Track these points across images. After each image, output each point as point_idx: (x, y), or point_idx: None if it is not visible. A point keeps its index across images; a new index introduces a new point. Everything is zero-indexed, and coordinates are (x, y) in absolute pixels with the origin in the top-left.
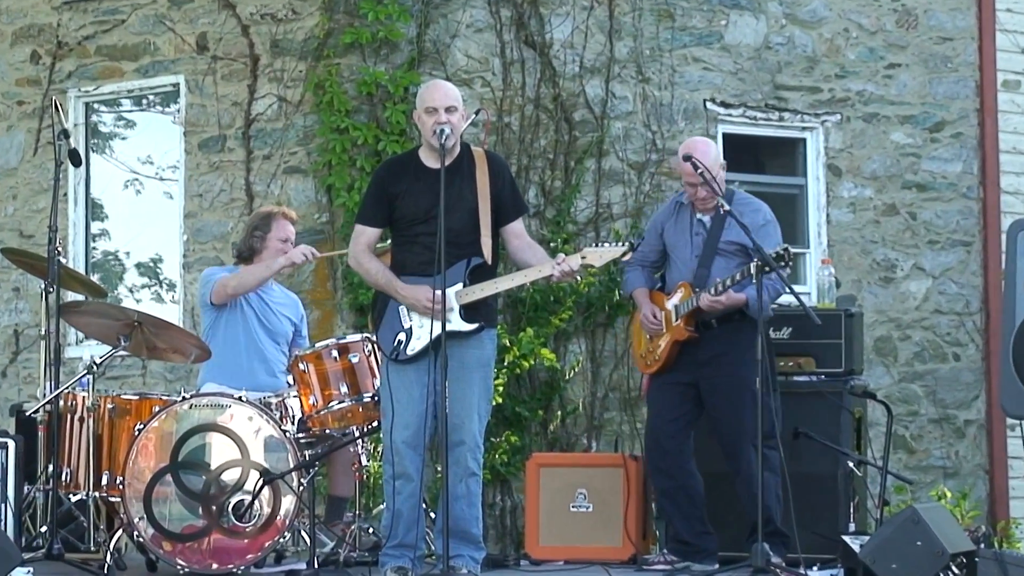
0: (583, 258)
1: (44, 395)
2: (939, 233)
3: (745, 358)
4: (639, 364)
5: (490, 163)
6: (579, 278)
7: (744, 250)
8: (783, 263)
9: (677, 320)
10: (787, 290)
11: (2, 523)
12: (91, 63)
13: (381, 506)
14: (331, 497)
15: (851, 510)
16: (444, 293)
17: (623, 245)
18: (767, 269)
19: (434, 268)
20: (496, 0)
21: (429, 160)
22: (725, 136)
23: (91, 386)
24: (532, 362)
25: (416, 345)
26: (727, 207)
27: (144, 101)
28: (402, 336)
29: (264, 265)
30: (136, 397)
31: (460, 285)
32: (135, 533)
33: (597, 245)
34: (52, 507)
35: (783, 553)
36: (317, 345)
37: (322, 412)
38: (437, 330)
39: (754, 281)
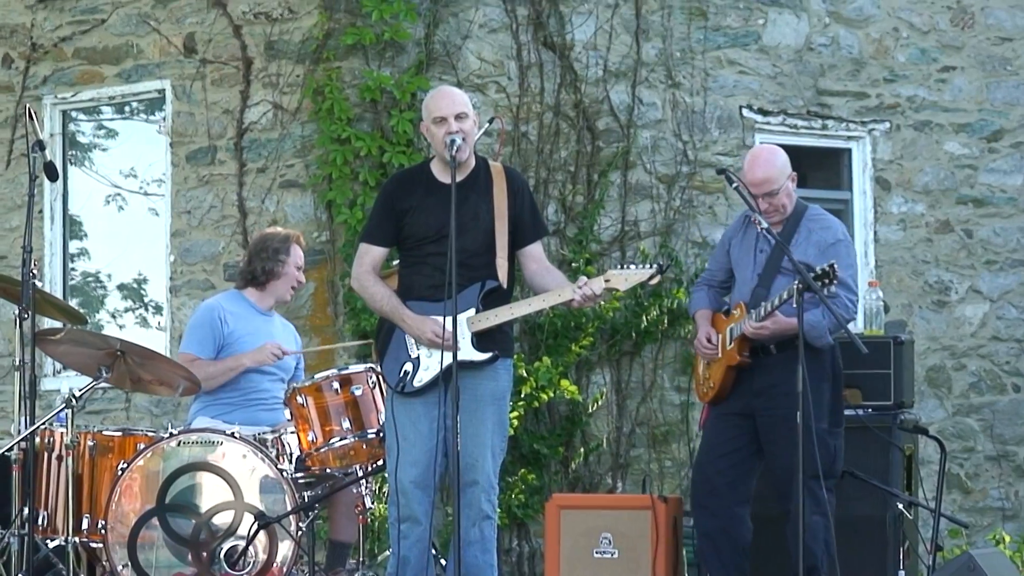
0: (606, 281)
1: (18, 431)
2: (997, 252)
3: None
4: (696, 392)
5: (508, 179)
6: (602, 303)
7: (809, 270)
8: (825, 282)
9: (730, 344)
10: (850, 315)
11: None
12: (68, 67)
13: (387, 552)
14: (332, 542)
15: (901, 556)
16: (455, 319)
17: (651, 267)
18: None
19: (444, 292)
20: None
21: (442, 174)
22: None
23: (70, 421)
24: (551, 394)
25: (424, 376)
26: (764, 225)
27: (127, 109)
28: (408, 366)
29: (231, 366)
30: (119, 433)
31: (472, 311)
32: None
33: (622, 267)
34: (28, 554)
35: None
36: (316, 376)
37: (322, 450)
38: (447, 360)
39: (794, 304)
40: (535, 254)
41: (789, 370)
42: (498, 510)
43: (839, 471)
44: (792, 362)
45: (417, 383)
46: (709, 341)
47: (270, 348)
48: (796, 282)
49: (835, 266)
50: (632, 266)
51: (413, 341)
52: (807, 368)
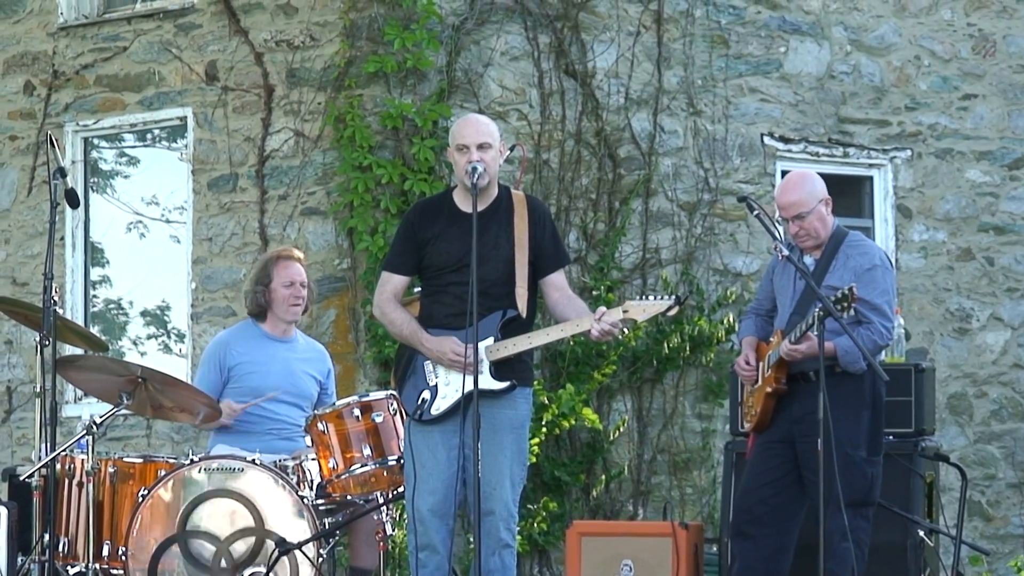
0: (624, 312)
1: (39, 458)
2: (1019, 280)
3: (841, 416)
4: (744, 419)
5: (530, 208)
6: (620, 336)
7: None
8: (844, 305)
9: (768, 371)
10: (883, 341)
11: None
12: (90, 94)
13: None
14: (353, 569)
15: None
16: (476, 347)
17: (669, 299)
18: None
19: (465, 320)
20: (534, 26)
21: (464, 203)
22: (784, 174)
23: (91, 448)
24: (573, 421)
25: (441, 404)
26: (785, 252)
27: (148, 136)
28: (427, 394)
29: (224, 419)
30: (140, 460)
31: (491, 340)
32: None
33: (641, 298)
34: None
35: None
36: (337, 403)
37: (343, 476)
38: (467, 386)
39: (814, 332)
40: (557, 283)
41: (828, 396)
42: (519, 538)
43: (875, 499)
44: (831, 388)
45: (435, 411)
46: (748, 363)
47: (226, 407)
48: (817, 309)
49: (854, 289)
50: (651, 297)
51: (431, 369)
52: (846, 394)
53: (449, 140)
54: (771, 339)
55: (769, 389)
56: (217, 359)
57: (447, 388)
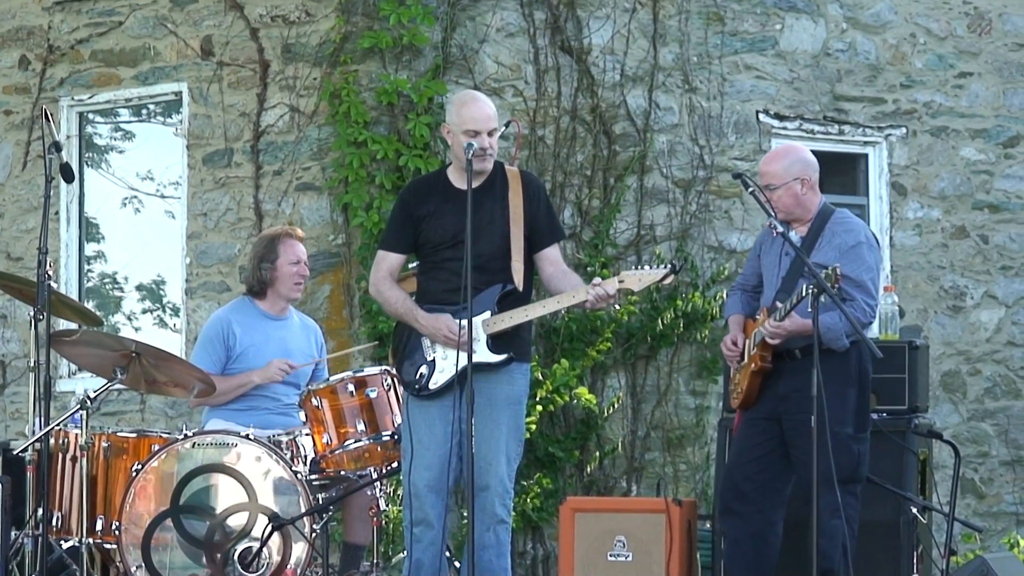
0: (620, 282)
1: (33, 432)
2: (1013, 258)
3: (826, 394)
4: (729, 398)
5: (524, 184)
6: (617, 305)
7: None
8: (830, 284)
9: (754, 349)
10: (866, 319)
11: None
12: (85, 69)
13: (401, 555)
14: (346, 545)
15: (914, 560)
16: (471, 321)
17: (664, 268)
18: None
19: (460, 296)
20: (529, 2)
21: (458, 180)
22: None
23: (85, 423)
24: (567, 398)
25: (439, 379)
26: (780, 229)
27: (143, 111)
28: (424, 369)
29: (238, 384)
30: (134, 435)
31: (488, 313)
32: None
33: (637, 267)
34: (42, 555)
35: None
36: (332, 379)
37: (337, 452)
38: (462, 362)
39: (810, 308)
40: (552, 257)
41: (813, 374)
42: (513, 514)
43: (863, 476)
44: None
45: (433, 385)
46: (734, 344)
47: (277, 365)
48: (811, 286)
49: (837, 269)
50: (646, 267)
51: (429, 344)
52: (831, 372)
53: (450, 119)
54: (757, 316)
55: (755, 367)
56: (221, 337)
57: (445, 362)
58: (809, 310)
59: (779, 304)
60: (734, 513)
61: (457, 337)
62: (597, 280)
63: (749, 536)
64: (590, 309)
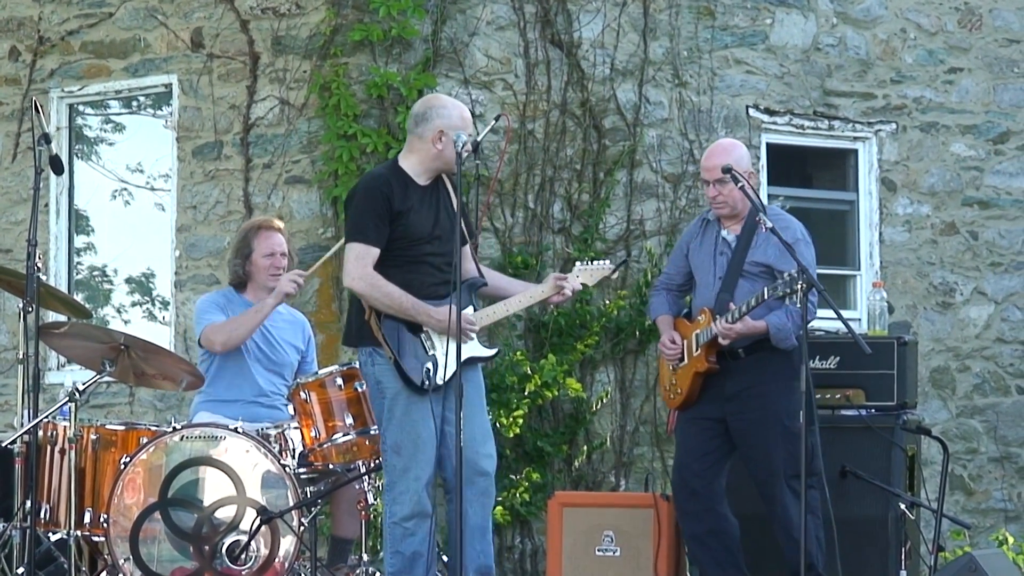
0: (577, 276)
1: (22, 424)
2: (1003, 254)
3: (774, 390)
4: (664, 397)
5: (451, 182)
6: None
7: (771, 272)
8: (792, 289)
9: (697, 350)
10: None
11: None
12: (75, 61)
13: None
14: (334, 538)
15: (902, 557)
16: (459, 315)
17: (612, 263)
18: (785, 295)
19: (447, 290)
20: None
21: (420, 177)
22: (769, 146)
23: (73, 415)
24: (555, 392)
25: (442, 373)
26: (769, 224)
27: (133, 103)
28: (430, 364)
29: (253, 311)
30: (122, 427)
31: (471, 308)
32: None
33: (587, 262)
34: (30, 547)
35: None
36: (320, 372)
37: (325, 445)
38: (464, 354)
39: (788, 304)
40: (471, 254)
41: (759, 373)
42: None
43: (819, 468)
44: (762, 364)
45: (440, 380)
46: (673, 343)
47: (287, 277)
48: (772, 289)
49: (795, 273)
50: (595, 262)
51: (427, 339)
52: (777, 369)
53: (449, 122)
54: (697, 318)
55: (700, 368)
56: (218, 304)
57: (443, 358)
58: (757, 311)
59: (733, 305)
60: (687, 514)
61: (475, 327)
62: (559, 275)
63: (708, 532)
64: (554, 303)
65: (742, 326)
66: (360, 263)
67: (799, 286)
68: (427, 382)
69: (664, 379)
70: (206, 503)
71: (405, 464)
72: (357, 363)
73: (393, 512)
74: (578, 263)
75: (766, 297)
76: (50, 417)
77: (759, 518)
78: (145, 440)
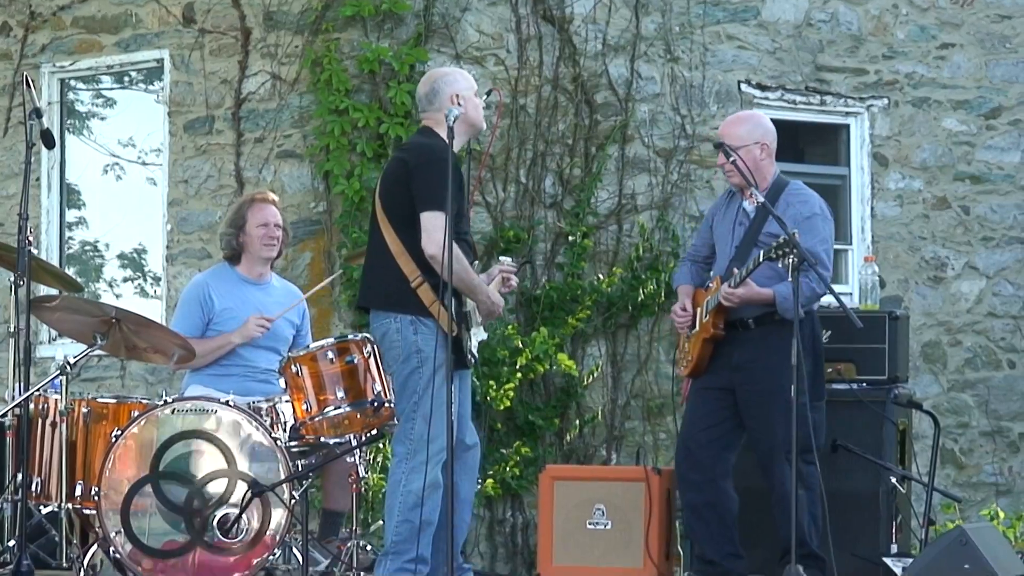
0: (512, 285)
1: (13, 398)
2: (994, 229)
3: (781, 363)
4: (678, 365)
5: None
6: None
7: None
8: (783, 251)
9: (706, 317)
10: (824, 291)
11: None
12: (67, 36)
13: (380, 522)
14: (326, 511)
15: (894, 530)
16: (450, 302)
17: (518, 261)
18: (774, 258)
19: (476, 270)
20: None
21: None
22: None
23: (64, 388)
24: (547, 366)
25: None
26: (761, 199)
27: (125, 78)
28: (472, 343)
29: (216, 346)
30: (113, 401)
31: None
32: (111, 549)
33: (504, 257)
34: (21, 520)
35: None
36: (312, 346)
37: (316, 419)
38: (480, 336)
39: (788, 276)
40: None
41: (767, 344)
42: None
43: (820, 445)
44: (771, 336)
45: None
46: (684, 311)
47: (254, 321)
48: (767, 252)
49: (795, 235)
50: (506, 257)
51: (471, 316)
52: (785, 341)
53: (464, 86)
54: (709, 285)
55: (707, 335)
56: (199, 300)
57: (474, 338)
58: (767, 279)
59: (736, 270)
60: (689, 483)
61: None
62: (505, 266)
63: (707, 504)
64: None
65: (744, 290)
66: (439, 229)
67: (790, 251)
68: (474, 358)
69: (680, 347)
70: (197, 476)
71: (435, 434)
72: (353, 335)
73: (410, 480)
74: (504, 257)
75: (761, 261)
76: (41, 390)
77: (758, 492)
78: (136, 413)
